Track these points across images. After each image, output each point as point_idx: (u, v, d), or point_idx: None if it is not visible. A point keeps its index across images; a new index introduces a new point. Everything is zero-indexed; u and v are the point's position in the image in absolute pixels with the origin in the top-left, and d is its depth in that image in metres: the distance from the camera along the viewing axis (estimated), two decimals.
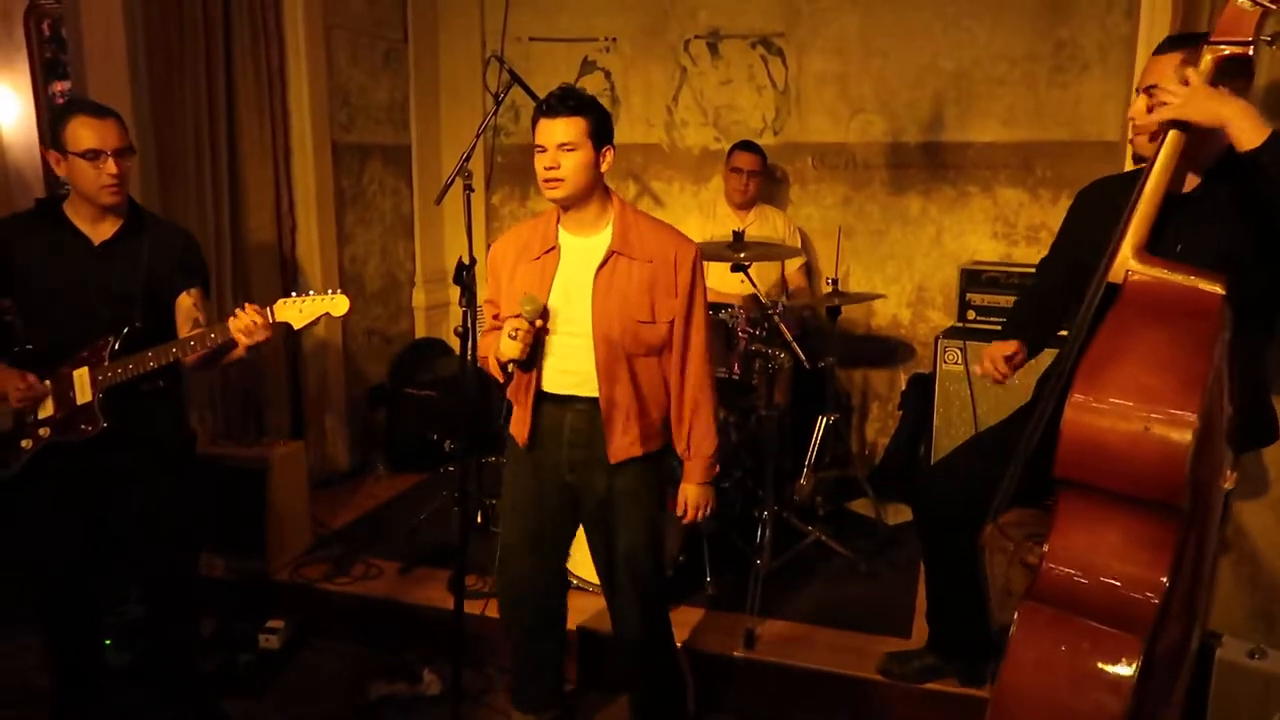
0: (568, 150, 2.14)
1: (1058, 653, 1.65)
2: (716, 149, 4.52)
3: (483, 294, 2.51)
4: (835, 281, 3.62)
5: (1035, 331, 2.43)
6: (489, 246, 2.42)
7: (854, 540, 3.56)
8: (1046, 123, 4.11)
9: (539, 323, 2.20)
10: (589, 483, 2.31)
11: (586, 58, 4.69)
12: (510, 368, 2.19)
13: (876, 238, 4.43)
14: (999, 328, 3.77)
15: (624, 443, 2.26)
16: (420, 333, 4.93)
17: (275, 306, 2.37)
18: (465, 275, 2.55)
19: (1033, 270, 3.83)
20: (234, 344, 2.36)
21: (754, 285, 3.33)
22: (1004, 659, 1.70)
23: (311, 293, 2.39)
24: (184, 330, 2.48)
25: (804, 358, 3.36)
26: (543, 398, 2.30)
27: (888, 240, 4.41)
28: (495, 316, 2.38)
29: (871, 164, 4.38)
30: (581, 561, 3.05)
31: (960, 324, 3.98)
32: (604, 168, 2.21)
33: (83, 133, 2.33)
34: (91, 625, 2.71)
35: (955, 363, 3.83)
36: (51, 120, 2.39)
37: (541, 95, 2.22)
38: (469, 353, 2.53)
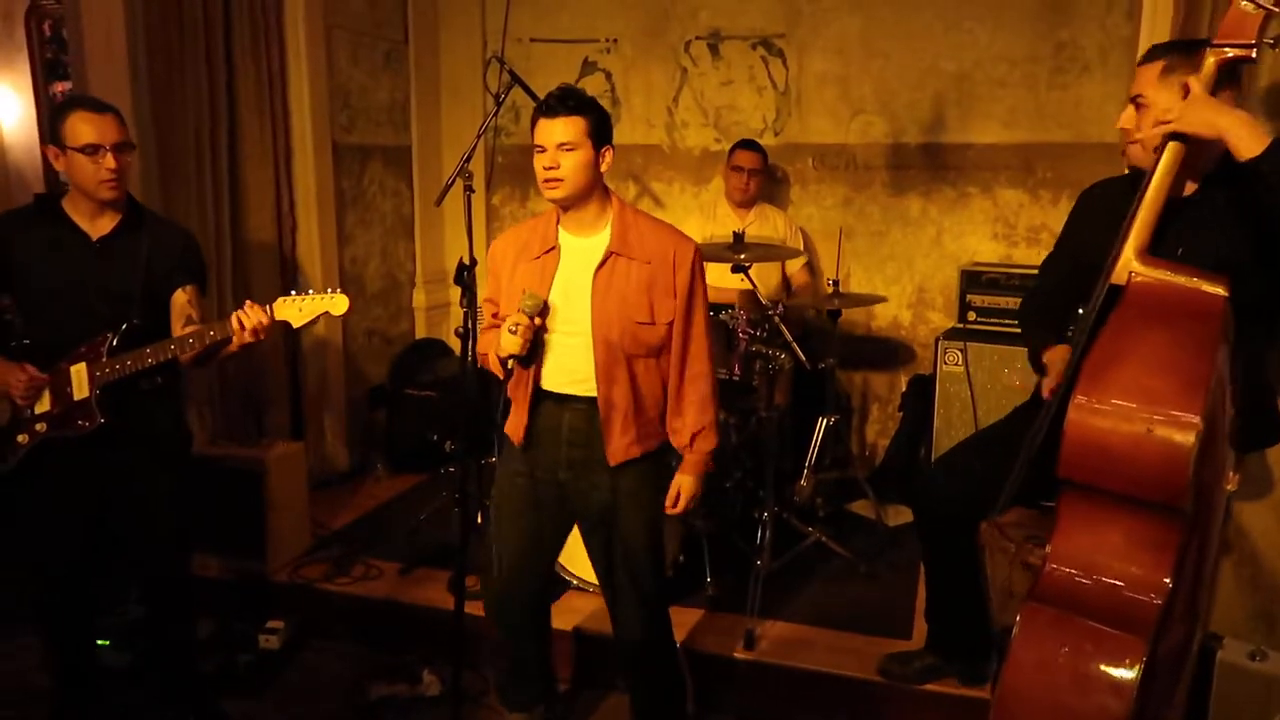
0: (567, 150, 2.14)
1: (1060, 654, 1.65)
2: (717, 150, 4.52)
3: (483, 294, 2.51)
4: (836, 283, 3.62)
5: (1040, 332, 2.42)
6: (489, 247, 2.42)
7: (854, 541, 3.56)
8: (1047, 124, 4.11)
9: (538, 320, 2.20)
10: (587, 483, 2.31)
11: (587, 58, 4.69)
12: (510, 363, 2.19)
13: (877, 239, 4.43)
14: (999, 329, 3.83)
15: (622, 444, 2.25)
16: (420, 333, 4.93)
17: (275, 305, 2.36)
18: (466, 276, 2.54)
19: (1034, 271, 3.86)
20: (228, 340, 2.36)
21: (754, 286, 3.33)
22: (1006, 660, 1.69)
23: (311, 291, 2.38)
24: (177, 327, 2.48)
25: (804, 359, 3.36)
26: (541, 397, 2.30)
27: (888, 241, 4.41)
28: (495, 315, 2.38)
29: (872, 165, 4.38)
30: (580, 561, 3.05)
31: (960, 325, 3.99)
32: (603, 168, 2.21)
33: (82, 127, 2.32)
34: (91, 625, 2.71)
35: (956, 364, 3.84)
36: (51, 115, 2.39)
37: (542, 96, 2.22)
38: (470, 353, 2.53)
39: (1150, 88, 1.98)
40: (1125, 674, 1.60)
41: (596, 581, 2.50)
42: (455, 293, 4.60)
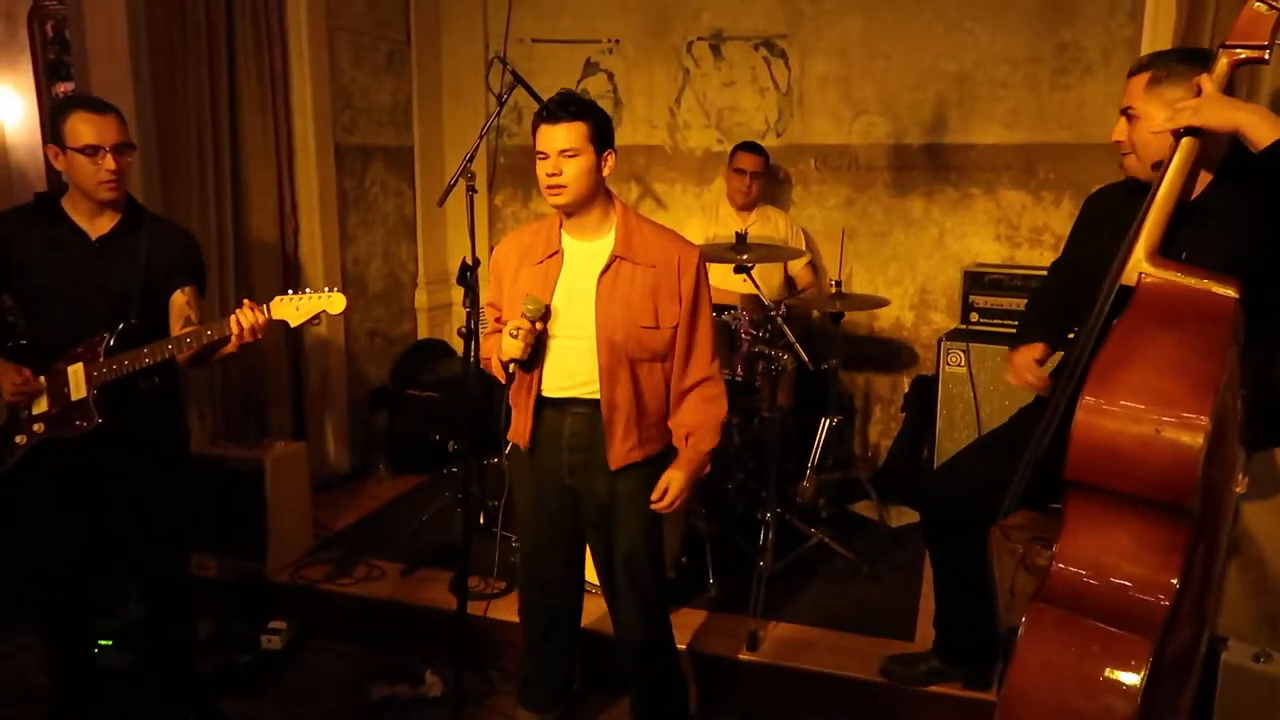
0: (569, 156, 2.13)
1: (1066, 655, 1.65)
2: (719, 151, 4.52)
3: (485, 296, 2.50)
4: (838, 284, 3.62)
5: (1054, 333, 2.42)
6: (491, 248, 2.42)
7: (857, 542, 3.55)
8: (1049, 125, 4.11)
9: (540, 325, 2.20)
10: (589, 486, 2.31)
11: (589, 59, 4.69)
12: (511, 368, 2.19)
13: (879, 240, 4.42)
14: (1001, 330, 3.83)
15: (624, 448, 2.25)
16: (423, 334, 4.92)
17: (272, 304, 2.36)
18: (469, 276, 2.54)
19: (1036, 272, 3.89)
20: (228, 340, 2.35)
21: (756, 286, 3.33)
22: (1012, 661, 1.69)
23: (308, 290, 2.38)
24: (176, 327, 2.47)
25: (807, 359, 3.35)
26: (543, 402, 2.30)
27: (890, 242, 4.41)
28: (498, 319, 2.38)
29: (874, 166, 4.38)
30: (585, 563, 3.05)
31: (963, 326, 3.99)
32: (606, 172, 2.21)
33: (82, 128, 2.32)
34: (91, 625, 2.70)
35: (958, 365, 3.84)
36: (51, 113, 2.39)
37: (544, 97, 2.22)
38: (472, 353, 2.53)
39: (1139, 100, 2.00)
40: (1131, 675, 1.60)
41: (599, 583, 2.50)
42: (457, 293, 4.61)
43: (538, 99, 3.23)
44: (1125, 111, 2.04)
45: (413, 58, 4.72)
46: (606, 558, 2.37)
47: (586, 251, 2.25)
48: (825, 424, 3.70)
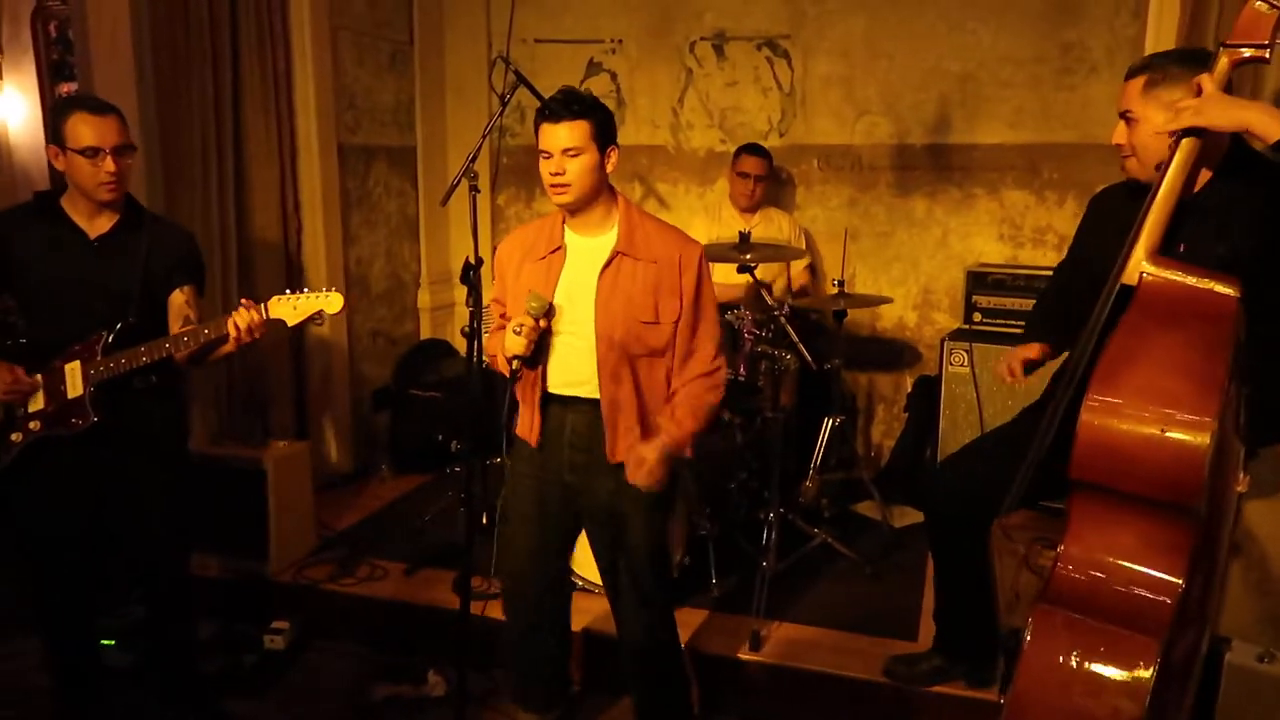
0: (573, 155, 2.13)
1: (1073, 656, 1.64)
2: (722, 151, 4.52)
3: (488, 294, 2.50)
4: (841, 284, 3.61)
5: (1055, 334, 2.42)
6: (494, 248, 2.42)
7: (859, 542, 3.55)
8: (1053, 125, 4.10)
9: (543, 323, 2.20)
10: (591, 485, 2.31)
11: (592, 59, 4.69)
12: (515, 364, 2.19)
13: (882, 240, 4.42)
14: (1004, 330, 3.83)
15: (625, 446, 2.25)
16: (425, 334, 4.92)
17: (269, 303, 2.36)
18: (472, 275, 2.54)
19: (1040, 272, 3.88)
20: (225, 338, 2.36)
21: (760, 283, 3.32)
22: (1018, 663, 1.69)
23: (306, 290, 2.39)
24: (175, 327, 2.48)
25: (810, 359, 3.35)
26: (549, 399, 2.30)
27: (893, 242, 4.41)
28: (502, 316, 2.38)
29: (877, 166, 4.37)
30: (586, 563, 3.04)
31: (966, 326, 3.98)
32: (609, 169, 2.21)
33: (82, 129, 2.33)
34: (91, 625, 2.70)
35: (961, 365, 3.83)
36: (52, 114, 2.39)
37: (547, 96, 2.22)
38: (475, 353, 2.53)
39: (1136, 103, 2.01)
40: (1139, 675, 1.59)
41: (601, 582, 2.50)
42: (460, 293, 4.61)
43: (540, 99, 3.21)
44: (1124, 115, 2.05)
45: (415, 57, 4.72)
46: (610, 557, 2.37)
47: (589, 247, 2.25)
48: (828, 424, 3.70)
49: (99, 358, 2.39)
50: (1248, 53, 1.78)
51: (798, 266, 4.20)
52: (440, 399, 4.30)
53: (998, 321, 3.90)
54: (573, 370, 2.26)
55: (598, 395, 2.24)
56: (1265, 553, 2.63)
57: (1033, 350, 2.41)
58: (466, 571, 2.45)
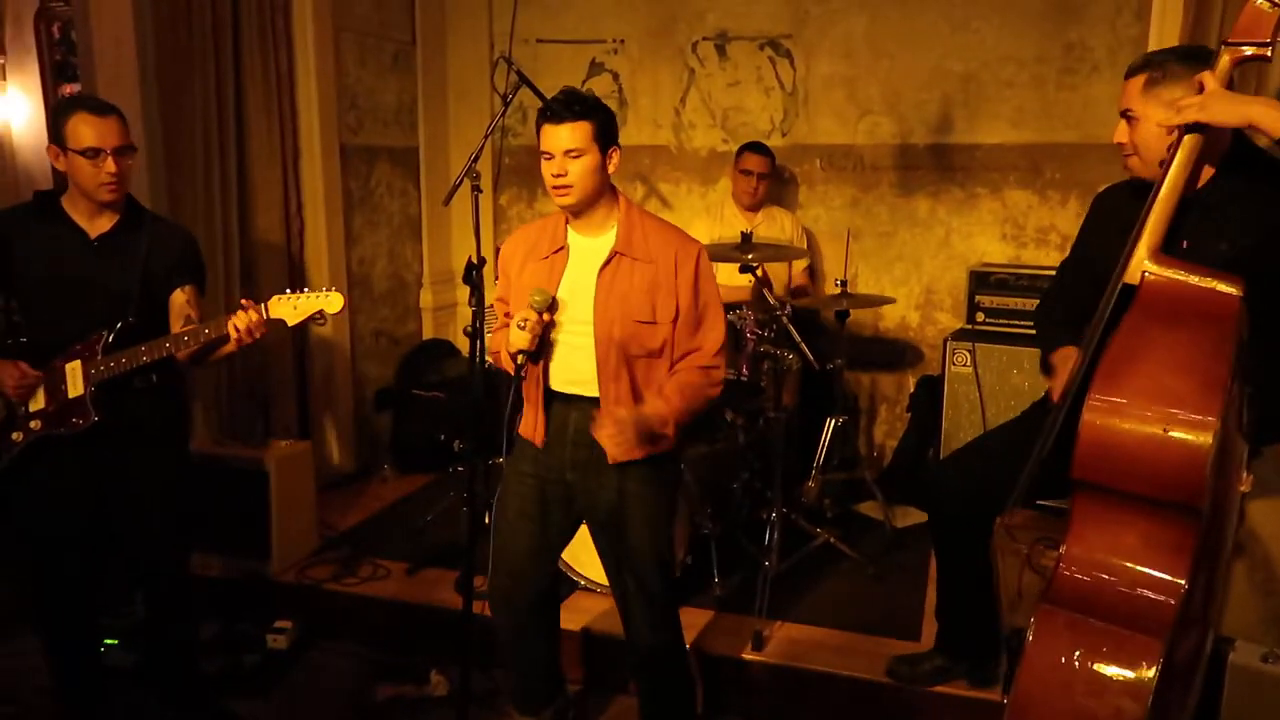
0: (575, 156, 2.13)
1: (1075, 656, 1.64)
2: (724, 150, 4.51)
3: (491, 294, 2.50)
4: (844, 284, 3.61)
5: (1059, 334, 2.40)
6: (496, 248, 2.42)
7: (862, 543, 3.54)
8: (1055, 125, 4.10)
9: (547, 316, 2.20)
10: (593, 484, 2.30)
11: (594, 59, 4.69)
12: (520, 359, 2.19)
13: (885, 239, 4.42)
14: (1007, 330, 3.82)
15: (626, 447, 2.23)
16: (428, 334, 4.93)
17: (270, 303, 2.37)
18: (474, 275, 2.54)
19: (1042, 272, 3.88)
20: (226, 338, 2.36)
21: (768, 282, 3.32)
22: (1021, 663, 1.68)
23: (306, 290, 2.39)
24: (176, 326, 2.48)
25: (813, 359, 3.35)
26: (552, 396, 2.30)
27: (896, 242, 4.40)
28: (506, 314, 2.38)
29: (880, 166, 4.37)
30: (588, 562, 3.05)
31: (969, 326, 3.97)
32: (611, 169, 2.21)
33: (83, 130, 2.33)
34: (92, 625, 2.71)
35: (964, 365, 3.83)
36: (53, 115, 2.40)
37: (550, 97, 2.21)
38: (477, 353, 2.53)
39: (1137, 102, 2.00)
40: (1143, 675, 1.59)
41: (604, 582, 2.49)
42: (463, 293, 4.60)
43: (543, 99, 3.21)
44: (1125, 114, 2.04)
45: (418, 58, 4.72)
46: (615, 557, 2.36)
47: (590, 247, 2.26)
48: (830, 424, 3.70)
49: (99, 357, 2.39)
50: (1249, 51, 1.78)
51: (797, 267, 4.20)
52: (442, 399, 4.30)
53: (1000, 321, 3.90)
54: (575, 369, 2.26)
55: (598, 394, 2.24)
56: (1269, 553, 2.63)
57: (1074, 355, 2.24)
58: (469, 571, 2.45)
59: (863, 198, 4.42)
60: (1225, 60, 1.80)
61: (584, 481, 2.31)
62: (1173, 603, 1.63)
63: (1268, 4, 1.74)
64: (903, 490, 3.99)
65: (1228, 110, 1.78)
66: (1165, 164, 1.86)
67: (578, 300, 2.23)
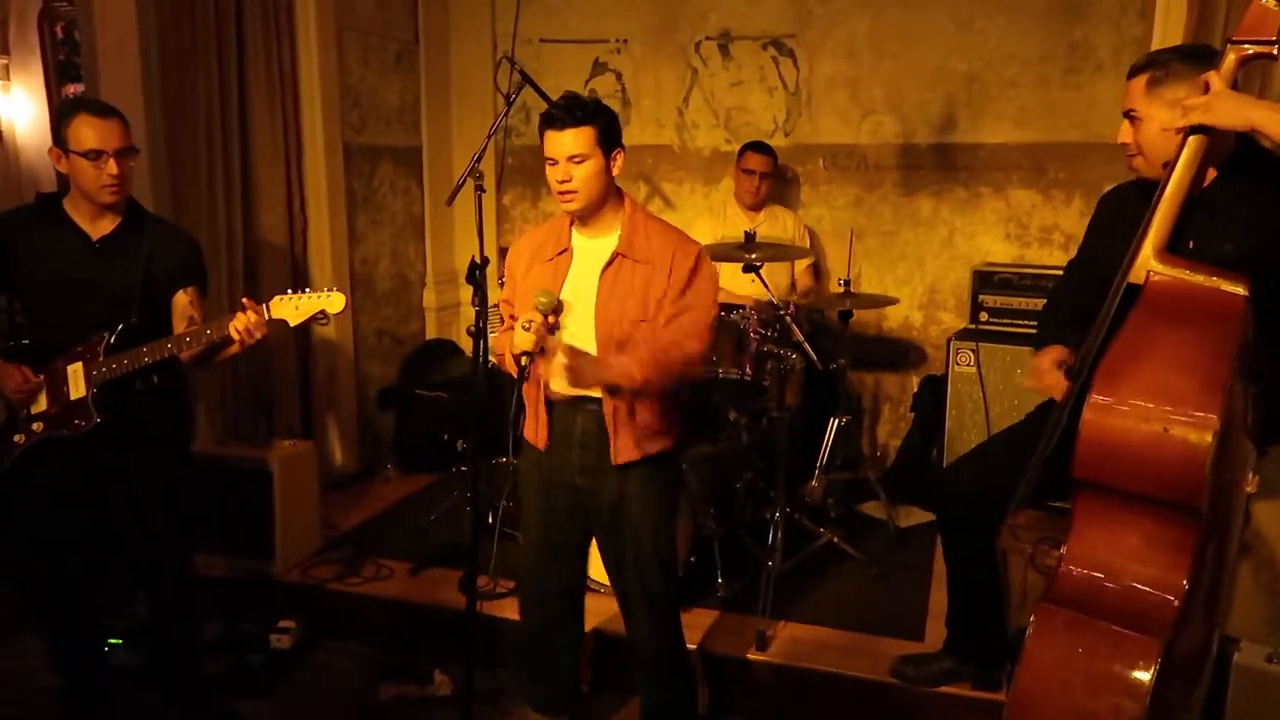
0: (578, 161, 2.13)
1: (1075, 655, 1.64)
2: (727, 150, 4.51)
3: (494, 294, 2.50)
4: (847, 283, 3.61)
5: (1064, 333, 2.40)
6: (500, 248, 2.42)
7: (865, 543, 3.54)
8: (1059, 124, 4.09)
9: (552, 318, 2.20)
10: (598, 486, 2.30)
11: (597, 59, 4.69)
12: (524, 360, 2.18)
13: (888, 239, 4.41)
14: (1011, 329, 3.82)
15: (627, 444, 2.24)
16: (431, 334, 4.93)
17: (271, 303, 2.37)
18: (478, 275, 2.54)
19: (1046, 271, 3.87)
20: (230, 340, 2.36)
21: (766, 286, 3.32)
22: (1021, 662, 1.68)
23: (308, 290, 2.39)
24: (179, 328, 2.48)
25: (816, 359, 3.35)
26: (552, 399, 2.30)
27: (899, 241, 4.40)
28: (511, 316, 2.38)
29: (883, 165, 4.36)
30: (594, 563, 3.04)
31: (972, 326, 3.97)
32: (615, 171, 2.21)
33: (85, 132, 2.33)
34: (95, 625, 2.71)
35: (967, 365, 3.82)
36: (55, 117, 2.41)
37: (553, 97, 2.21)
38: (480, 353, 2.53)
39: (1140, 102, 2.00)
40: (1141, 675, 1.59)
41: (609, 583, 2.49)
42: (466, 293, 4.60)
43: (546, 99, 3.23)
44: (1128, 114, 2.04)
45: (421, 58, 4.72)
46: (616, 557, 2.37)
47: (594, 249, 2.26)
48: (834, 424, 3.69)
49: (101, 359, 2.40)
50: (1251, 49, 1.78)
51: (800, 266, 4.20)
52: (445, 399, 4.30)
53: (1004, 321, 3.89)
54: None
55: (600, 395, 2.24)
56: (1274, 554, 2.62)
57: (1058, 353, 2.28)
58: (472, 571, 2.45)
59: (866, 197, 4.42)
60: (1230, 59, 1.80)
61: (590, 485, 2.31)
62: (1174, 602, 1.63)
63: (1273, 2, 1.73)
64: (906, 490, 3.98)
65: (1232, 113, 1.77)
66: (1170, 165, 1.86)
67: (581, 302, 2.23)
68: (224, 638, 3.11)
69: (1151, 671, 1.58)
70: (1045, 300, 2.67)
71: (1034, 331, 2.59)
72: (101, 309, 2.42)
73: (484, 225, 3.06)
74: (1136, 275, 1.80)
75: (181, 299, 2.52)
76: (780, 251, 3.68)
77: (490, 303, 2.54)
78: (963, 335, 3.91)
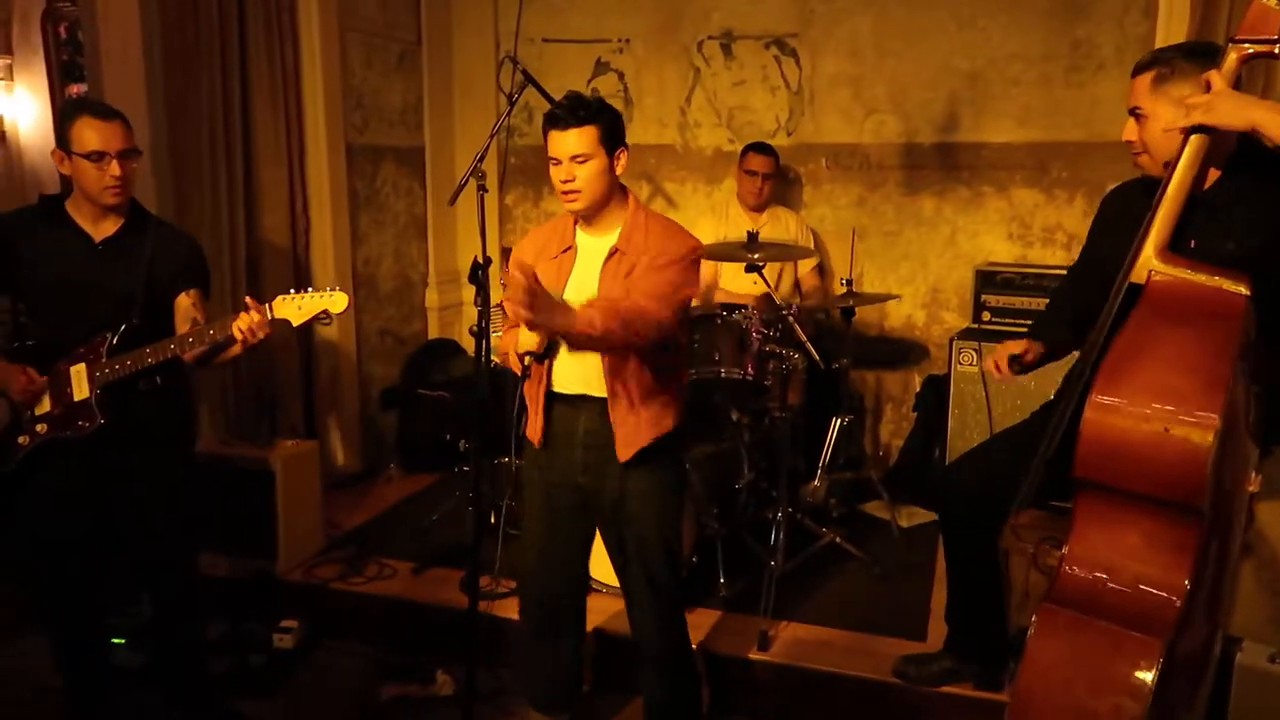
0: (581, 161, 2.14)
1: (1077, 655, 1.64)
2: (730, 150, 4.51)
3: (496, 294, 2.50)
4: (849, 282, 3.61)
5: (1061, 334, 2.40)
6: (503, 248, 2.42)
7: (868, 542, 3.54)
8: (1062, 123, 4.09)
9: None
10: (601, 485, 2.30)
11: (600, 59, 4.69)
12: (527, 360, 2.19)
13: (890, 239, 4.41)
14: (1014, 329, 3.82)
15: (629, 437, 2.22)
16: (433, 333, 4.93)
17: (274, 303, 2.37)
18: (480, 274, 2.54)
19: (1049, 271, 3.87)
20: (232, 340, 2.36)
21: (768, 285, 3.32)
22: (1023, 661, 1.68)
23: (311, 289, 2.39)
24: (182, 330, 2.49)
25: (818, 359, 3.34)
26: (554, 398, 2.30)
27: (902, 241, 4.40)
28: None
29: (885, 165, 4.36)
30: (597, 562, 3.04)
31: (975, 325, 3.96)
32: (619, 170, 2.21)
33: (87, 134, 2.33)
34: (99, 625, 2.71)
35: (970, 364, 3.82)
36: (58, 119, 2.41)
37: (556, 96, 2.21)
38: (482, 352, 2.53)
39: (1146, 99, 1.99)
40: (1143, 675, 1.59)
41: (611, 582, 2.49)
42: (468, 293, 4.61)
43: (549, 98, 3.22)
44: (1133, 112, 2.03)
45: (423, 58, 4.72)
46: (622, 554, 2.37)
47: (596, 247, 2.26)
48: (836, 423, 3.69)
49: (104, 360, 2.40)
50: (1253, 49, 1.78)
51: (806, 267, 4.20)
52: (448, 398, 4.30)
53: (1007, 320, 3.89)
54: (584, 367, 2.25)
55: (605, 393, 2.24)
56: (1277, 553, 2.62)
57: (1018, 346, 2.37)
58: (474, 570, 2.45)
59: (869, 197, 4.41)
60: (1232, 58, 1.80)
61: (594, 484, 2.31)
62: (1176, 602, 1.62)
63: (1274, 1, 1.73)
64: (909, 490, 3.98)
65: (1233, 113, 1.77)
66: (1171, 164, 1.86)
67: (584, 299, 2.23)
68: (226, 637, 3.12)
69: (1154, 672, 1.58)
70: (1048, 300, 2.67)
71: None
72: (104, 310, 2.42)
73: (486, 225, 3.04)
74: (1138, 275, 1.80)
75: (184, 301, 2.52)
76: (783, 252, 3.67)
77: (492, 303, 2.54)
78: (965, 335, 3.91)
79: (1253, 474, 1.91)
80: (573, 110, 2.13)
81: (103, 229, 2.45)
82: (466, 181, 3.16)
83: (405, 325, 4.81)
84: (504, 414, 2.35)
